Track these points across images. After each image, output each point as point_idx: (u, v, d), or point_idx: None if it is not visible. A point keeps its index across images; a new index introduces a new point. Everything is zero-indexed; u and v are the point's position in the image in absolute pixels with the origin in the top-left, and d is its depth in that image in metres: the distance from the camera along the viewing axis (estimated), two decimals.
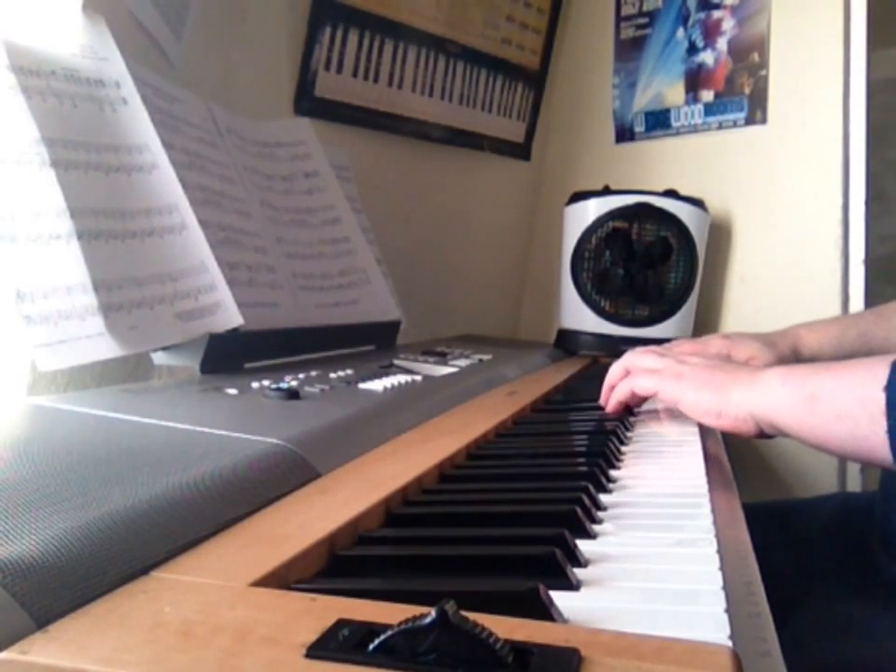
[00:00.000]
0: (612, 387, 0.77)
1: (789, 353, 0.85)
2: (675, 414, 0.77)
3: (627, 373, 0.76)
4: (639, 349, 0.78)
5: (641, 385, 0.72)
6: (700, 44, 1.53)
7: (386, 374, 0.77)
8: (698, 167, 1.54)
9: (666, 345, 0.86)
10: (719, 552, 0.38)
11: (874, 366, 0.53)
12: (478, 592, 0.31)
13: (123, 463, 0.41)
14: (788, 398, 0.58)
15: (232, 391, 0.63)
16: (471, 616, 0.24)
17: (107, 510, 0.34)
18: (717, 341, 0.86)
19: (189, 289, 0.72)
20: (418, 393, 0.73)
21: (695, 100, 1.54)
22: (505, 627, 0.25)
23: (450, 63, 1.44)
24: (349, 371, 0.77)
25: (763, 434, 0.62)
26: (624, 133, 1.65)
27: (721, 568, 0.35)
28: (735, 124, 1.50)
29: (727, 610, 0.31)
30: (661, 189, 1.37)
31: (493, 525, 0.43)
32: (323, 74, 1.20)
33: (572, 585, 0.33)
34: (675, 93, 1.57)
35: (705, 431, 0.70)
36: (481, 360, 0.98)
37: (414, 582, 0.34)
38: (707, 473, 0.55)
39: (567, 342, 1.38)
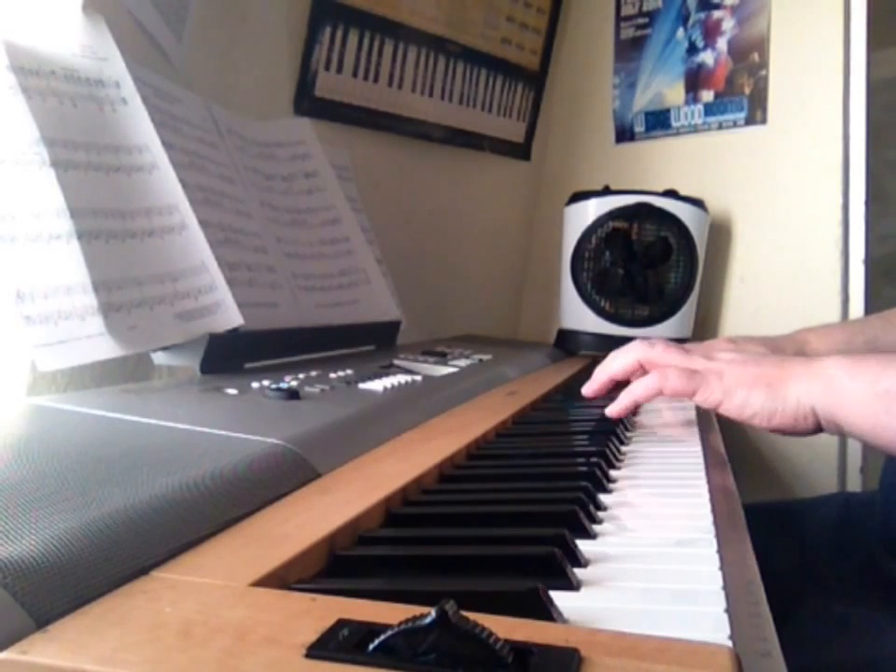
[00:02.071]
0: (612, 379, 0.72)
1: None
2: (675, 412, 0.76)
3: (641, 367, 0.69)
4: (644, 341, 0.72)
5: (674, 386, 0.63)
6: (700, 44, 1.53)
7: (386, 374, 0.77)
8: (698, 167, 1.54)
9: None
10: (719, 552, 0.38)
11: None
12: (478, 592, 0.31)
13: (123, 463, 0.41)
14: (858, 394, 0.53)
15: (232, 391, 0.63)
16: (471, 616, 0.24)
17: (107, 510, 0.34)
18: (722, 344, 0.85)
19: (189, 289, 0.72)
20: (418, 393, 0.73)
21: (695, 100, 1.54)
22: (505, 627, 0.25)
23: (450, 63, 1.44)
24: (349, 371, 0.77)
25: (817, 431, 0.57)
26: (624, 133, 1.65)
27: (721, 568, 0.35)
28: (735, 124, 1.50)
29: (727, 610, 0.31)
30: (661, 189, 1.37)
31: (493, 525, 0.43)
32: (323, 74, 1.20)
33: (572, 585, 0.33)
34: (675, 93, 1.57)
35: (705, 429, 0.70)
36: (481, 360, 0.98)
37: (414, 582, 0.34)
38: (708, 473, 0.55)
39: (567, 342, 1.38)
